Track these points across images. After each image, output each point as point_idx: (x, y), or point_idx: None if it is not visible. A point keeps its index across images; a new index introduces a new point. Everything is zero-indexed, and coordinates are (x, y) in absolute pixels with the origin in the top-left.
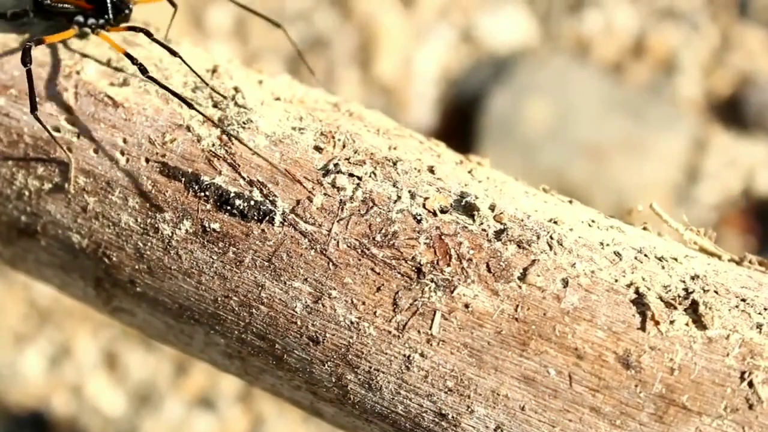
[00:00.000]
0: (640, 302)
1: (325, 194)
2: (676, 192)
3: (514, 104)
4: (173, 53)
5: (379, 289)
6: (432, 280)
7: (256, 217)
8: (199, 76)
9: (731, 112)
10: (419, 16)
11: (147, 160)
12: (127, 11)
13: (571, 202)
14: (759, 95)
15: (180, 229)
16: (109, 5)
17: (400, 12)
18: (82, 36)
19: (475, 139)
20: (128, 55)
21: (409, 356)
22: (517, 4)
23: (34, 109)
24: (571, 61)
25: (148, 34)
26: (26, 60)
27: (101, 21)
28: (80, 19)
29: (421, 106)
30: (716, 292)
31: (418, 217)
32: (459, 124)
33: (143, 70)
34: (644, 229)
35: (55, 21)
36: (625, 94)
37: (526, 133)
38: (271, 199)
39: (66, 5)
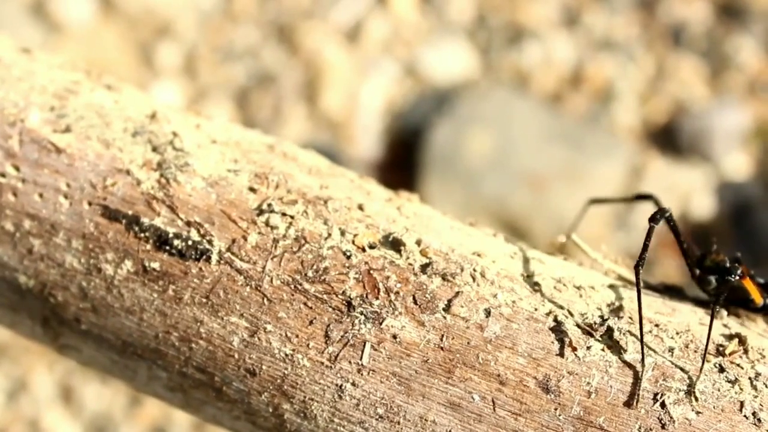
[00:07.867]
0: (558, 330)
1: (259, 233)
2: (615, 218)
3: (456, 135)
4: None
5: (311, 322)
6: (362, 313)
7: (193, 256)
8: None
9: (667, 139)
10: (364, 51)
11: (89, 204)
12: None
13: (495, 235)
14: (693, 122)
15: (122, 268)
16: None
17: (345, 47)
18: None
19: (419, 169)
20: None
21: (342, 386)
22: (459, 38)
23: (640, 264)
24: (512, 92)
25: None
26: (655, 219)
27: None
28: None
29: (366, 139)
30: (631, 318)
31: (348, 253)
32: (403, 155)
33: None
34: (564, 259)
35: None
36: (564, 123)
37: (468, 163)
38: (207, 238)
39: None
